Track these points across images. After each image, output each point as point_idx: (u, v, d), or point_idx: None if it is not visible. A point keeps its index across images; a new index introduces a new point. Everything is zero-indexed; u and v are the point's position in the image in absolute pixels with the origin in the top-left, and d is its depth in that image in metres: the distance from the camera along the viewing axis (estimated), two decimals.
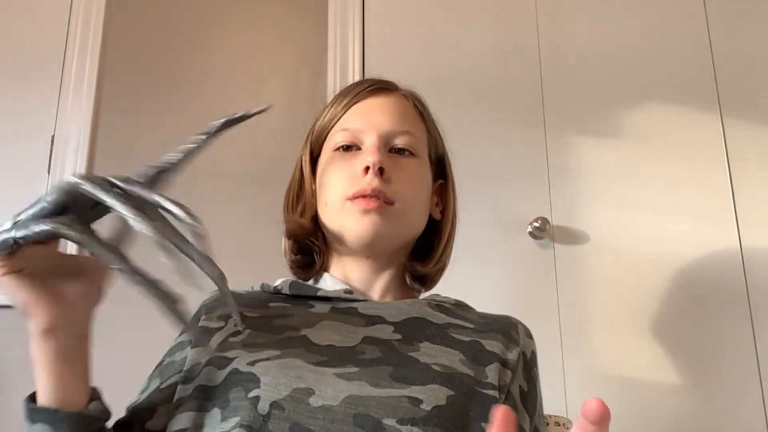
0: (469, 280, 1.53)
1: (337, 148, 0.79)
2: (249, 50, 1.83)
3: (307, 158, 0.84)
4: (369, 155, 0.75)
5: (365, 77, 1.66)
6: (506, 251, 1.57)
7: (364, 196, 0.74)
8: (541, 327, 1.51)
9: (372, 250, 0.77)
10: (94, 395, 0.61)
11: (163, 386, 0.69)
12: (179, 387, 0.68)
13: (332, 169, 0.78)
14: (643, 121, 1.61)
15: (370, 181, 0.74)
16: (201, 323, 0.74)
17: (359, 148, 0.78)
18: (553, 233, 1.56)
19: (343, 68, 1.74)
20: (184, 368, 0.69)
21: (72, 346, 0.58)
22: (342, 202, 0.76)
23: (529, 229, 1.55)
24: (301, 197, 0.83)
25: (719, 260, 1.48)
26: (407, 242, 0.81)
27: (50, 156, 1.69)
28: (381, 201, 0.74)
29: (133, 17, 1.83)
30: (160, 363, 0.73)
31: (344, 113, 0.81)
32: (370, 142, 0.77)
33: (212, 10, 1.85)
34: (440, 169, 0.86)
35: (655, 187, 1.55)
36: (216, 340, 0.71)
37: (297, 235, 0.82)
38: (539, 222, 1.54)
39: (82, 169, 1.69)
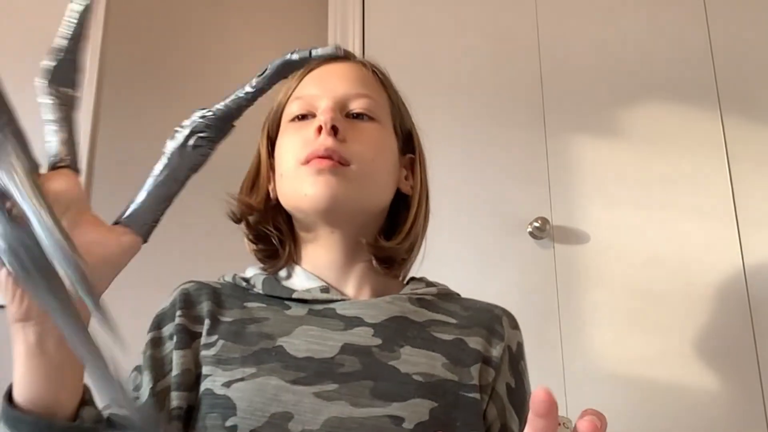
0: (468, 280, 1.53)
1: (293, 119, 0.74)
2: (249, 50, 1.83)
3: (264, 142, 0.79)
4: (321, 115, 0.70)
5: None
6: (506, 251, 1.57)
7: (317, 157, 0.69)
8: (541, 327, 1.53)
9: (332, 217, 0.71)
10: (86, 397, 0.54)
11: (157, 388, 0.66)
12: (172, 393, 0.65)
13: (286, 140, 0.74)
14: (643, 120, 1.61)
15: (323, 141, 0.69)
16: (177, 320, 0.69)
17: (315, 116, 0.72)
18: (553, 233, 1.56)
19: None
20: (173, 372, 0.66)
21: (50, 344, 0.49)
22: (296, 168, 0.71)
23: (529, 229, 1.55)
24: (256, 183, 0.78)
25: (719, 260, 1.48)
26: (372, 213, 0.74)
27: None
28: (335, 161, 0.68)
29: (133, 18, 1.83)
30: (144, 353, 0.68)
31: (298, 83, 0.76)
32: (324, 105, 0.71)
33: (212, 11, 1.85)
34: (409, 143, 0.81)
35: (655, 187, 1.55)
36: (195, 348, 0.68)
37: (245, 215, 0.76)
38: (539, 222, 1.54)
39: (82, 169, 1.68)
